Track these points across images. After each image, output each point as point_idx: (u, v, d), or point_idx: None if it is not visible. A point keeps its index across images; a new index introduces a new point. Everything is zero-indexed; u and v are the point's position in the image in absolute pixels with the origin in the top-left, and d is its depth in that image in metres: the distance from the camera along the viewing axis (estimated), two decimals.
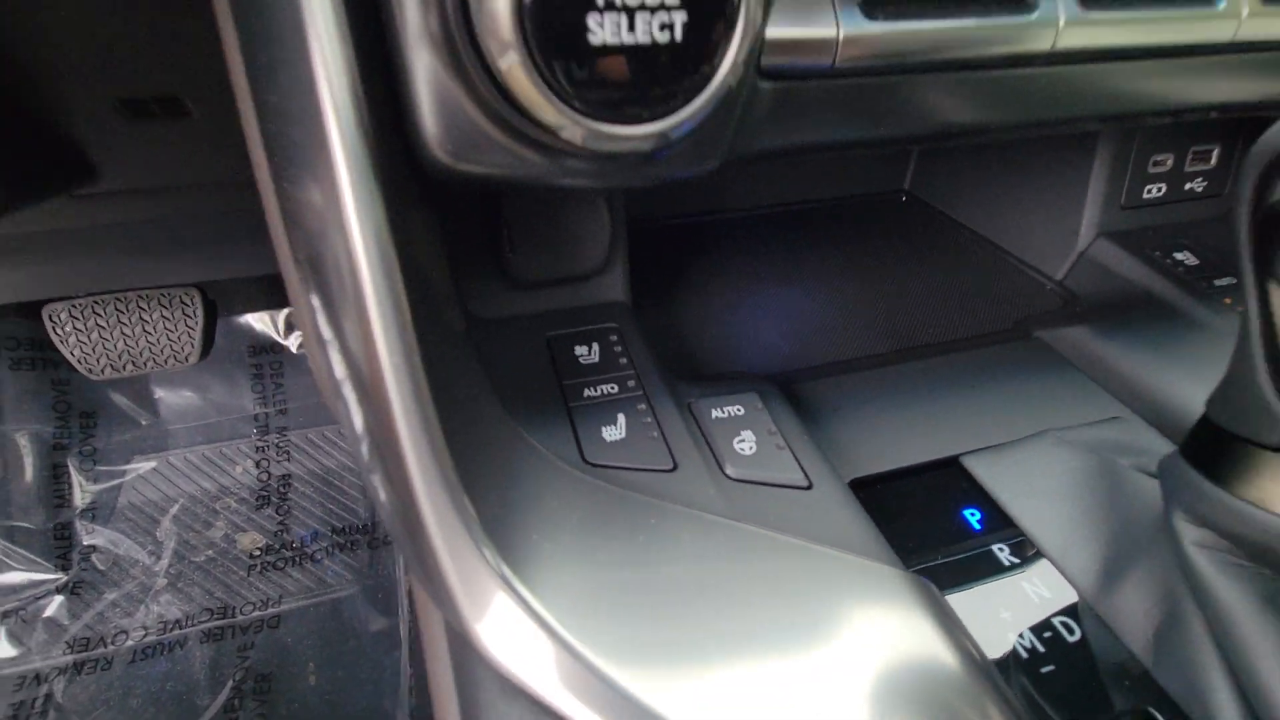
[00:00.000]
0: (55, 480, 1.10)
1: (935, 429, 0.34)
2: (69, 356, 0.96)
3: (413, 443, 0.21)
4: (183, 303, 0.95)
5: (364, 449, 0.24)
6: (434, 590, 0.22)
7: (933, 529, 0.30)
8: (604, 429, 0.29)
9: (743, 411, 0.30)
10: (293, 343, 1.26)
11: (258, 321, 1.25)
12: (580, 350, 0.33)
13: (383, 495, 0.24)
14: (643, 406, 0.30)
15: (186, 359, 1.00)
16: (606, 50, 0.16)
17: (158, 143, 0.48)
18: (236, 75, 0.24)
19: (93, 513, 1.11)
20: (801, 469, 0.28)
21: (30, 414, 1.08)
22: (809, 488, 0.28)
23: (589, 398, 0.30)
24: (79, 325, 0.95)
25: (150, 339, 0.97)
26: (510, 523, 0.23)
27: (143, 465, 1.13)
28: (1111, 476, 0.30)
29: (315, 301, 0.23)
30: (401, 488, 0.22)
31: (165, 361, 0.99)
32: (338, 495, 1.19)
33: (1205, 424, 0.23)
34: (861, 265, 0.48)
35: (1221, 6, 0.26)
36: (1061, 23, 0.24)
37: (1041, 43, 0.24)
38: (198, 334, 0.97)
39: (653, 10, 0.16)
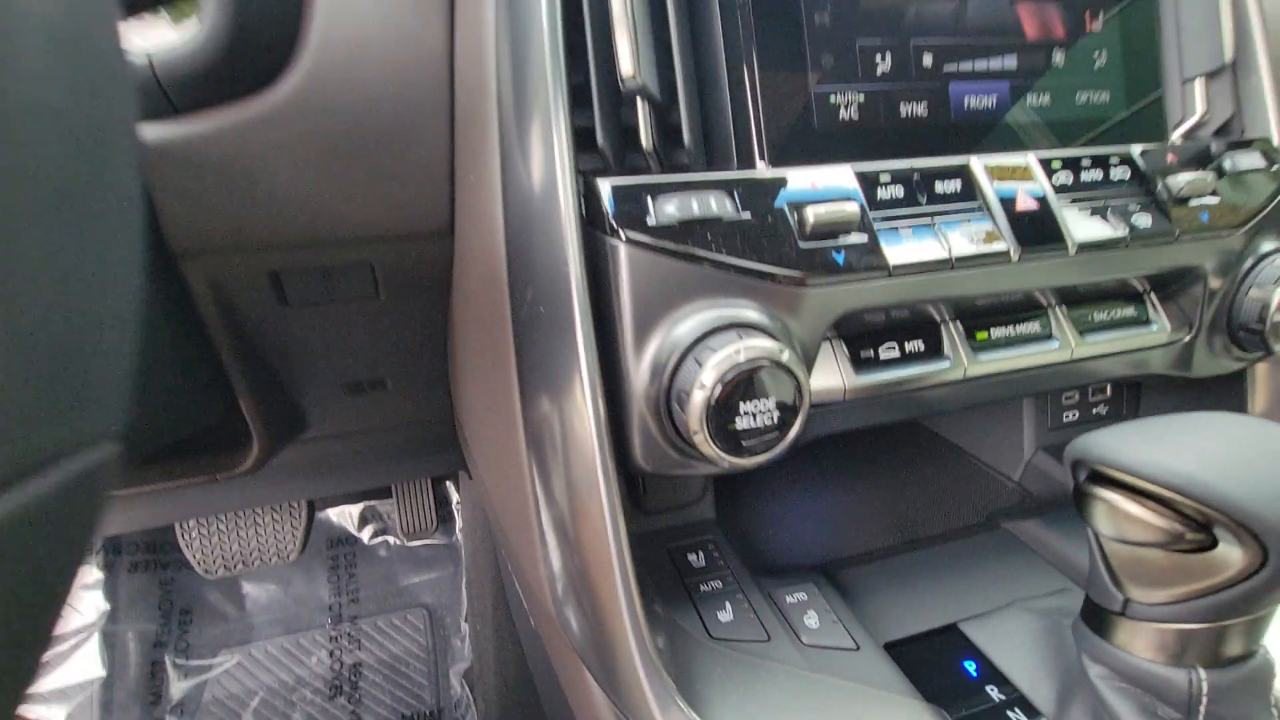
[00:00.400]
0: (152, 677, 1.19)
1: (937, 603, 0.49)
2: (191, 559, 1.11)
3: (624, 591, 0.36)
4: (290, 507, 1.11)
5: (559, 587, 0.39)
6: (631, 708, 0.36)
7: (942, 676, 0.44)
8: (718, 613, 0.44)
9: (806, 597, 0.46)
10: (365, 535, 1.40)
11: (335, 515, 1.40)
12: (692, 557, 0.49)
13: (575, 626, 0.39)
14: (740, 596, 0.45)
15: (288, 556, 1.14)
16: (744, 431, 0.34)
17: (359, 406, 0.68)
18: (492, 346, 0.42)
19: (181, 708, 1.19)
20: (851, 637, 0.43)
21: (139, 614, 1.20)
22: (857, 649, 0.43)
23: (704, 591, 0.46)
24: (203, 531, 1.10)
25: (260, 540, 1.12)
26: (676, 676, 0.38)
27: (228, 660, 1.23)
28: (1060, 633, 0.45)
29: (534, 471, 0.39)
30: (604, 622, 0.37)
31: (270, 559, 1.13)
32: (405, 682, 1.26)
33: (1087, 598, 0.38)
34: (872, 472, 0.65)
35: (1057, 345, 0.45)
36: (966, 364, 0.43)
37: (958, 374, 0.43)
38: (300, 534, 1.13)
39: (765, 413, 0.34)
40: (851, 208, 0.38)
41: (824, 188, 0.39)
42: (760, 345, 0.34)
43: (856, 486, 0.62)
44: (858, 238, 0.39)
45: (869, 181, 0.40)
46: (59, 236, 0.15)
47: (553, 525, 0.40)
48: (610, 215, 0.36)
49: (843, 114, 0.42)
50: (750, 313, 0.37)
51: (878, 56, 0.42)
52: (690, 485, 0.52)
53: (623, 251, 0.36)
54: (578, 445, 0.37)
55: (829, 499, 0.61)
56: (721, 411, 0.34)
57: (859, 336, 0.42)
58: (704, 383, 0.34)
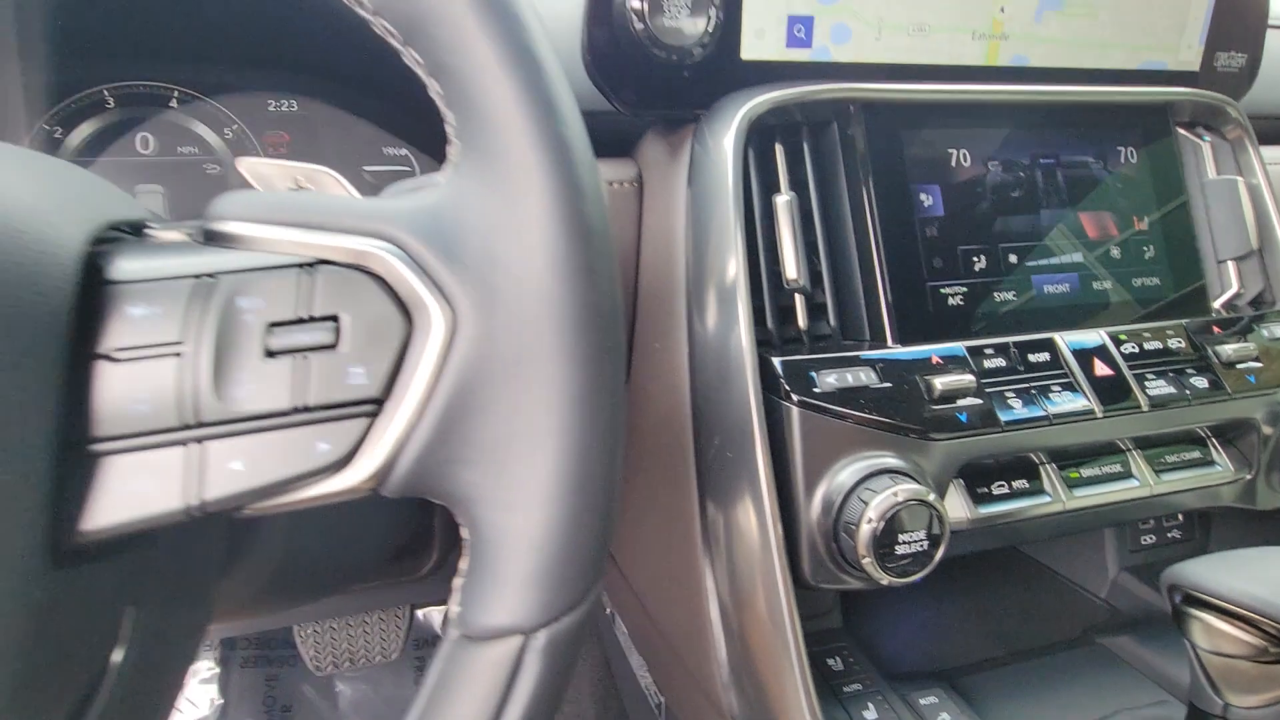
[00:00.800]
0: None
1: (1049, 711, 0.56)
2: (305, 655, 1.19)
3: (804, 688, 0.45)
4: (395, 607, 1.20)
5: (730, 681, 0.47)
6: None
7: None
8: (864, 711, 0.52)
9: (937, 700, 0.53)
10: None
11: (421, 615, 1.47)
12: (830, 661, 0.57)
13: (737, 708, 0.47)
14: (880, 697, 0.53)
15: (390, 655, 1.21)
16: (901, 556, 0.44)
17: None
18: (670, 477, 0.52)
19: None
20: None
21: (247, 709, 1.26)
22: None
23: (847, 692, 0.54)
24: (318, 628, 1.19)
25: (367, 639, 1.20)
26: None
27: None
28: None
29: (714, 581, 0.48)
30: (783, 713, 0.45)
31: (375, 658, 1.20)
32: None
33: (1191, 705, 0.45)
34: (972, 589, 0.73)
35: (1138, 483, 0.55)
36: (1064, 499, 0.53)
37: (1058, 507, 0.53)
38: (403, 634, 1.20)
39: (917, 542, 0.44)
40: (969, 378, 0.49)
41: (944, 361, 0.51)
42: (912, 488, 0.44)
43: (960, 602, 0.69)
44: (974, 401, 0.50)
45: (977, 355, 0.52)
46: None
47: (730, 628, 0.49)
48: (784, 384, 0.48)
49: (951, 301, 0.54)
50: (896, 460, 0.47)
51: (974, 258, 0.55)
52: (824, 598, 0.61)
53: (794, 413, 0.47)
54: (759, 563, 0.47)
55: (937, 613, 0.68)
56: (884, 540, 0.44)
57: (975, 475, 0.52)
58: (870, 517, 0.44)
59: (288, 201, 0.26)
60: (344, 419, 0.24)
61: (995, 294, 0.55)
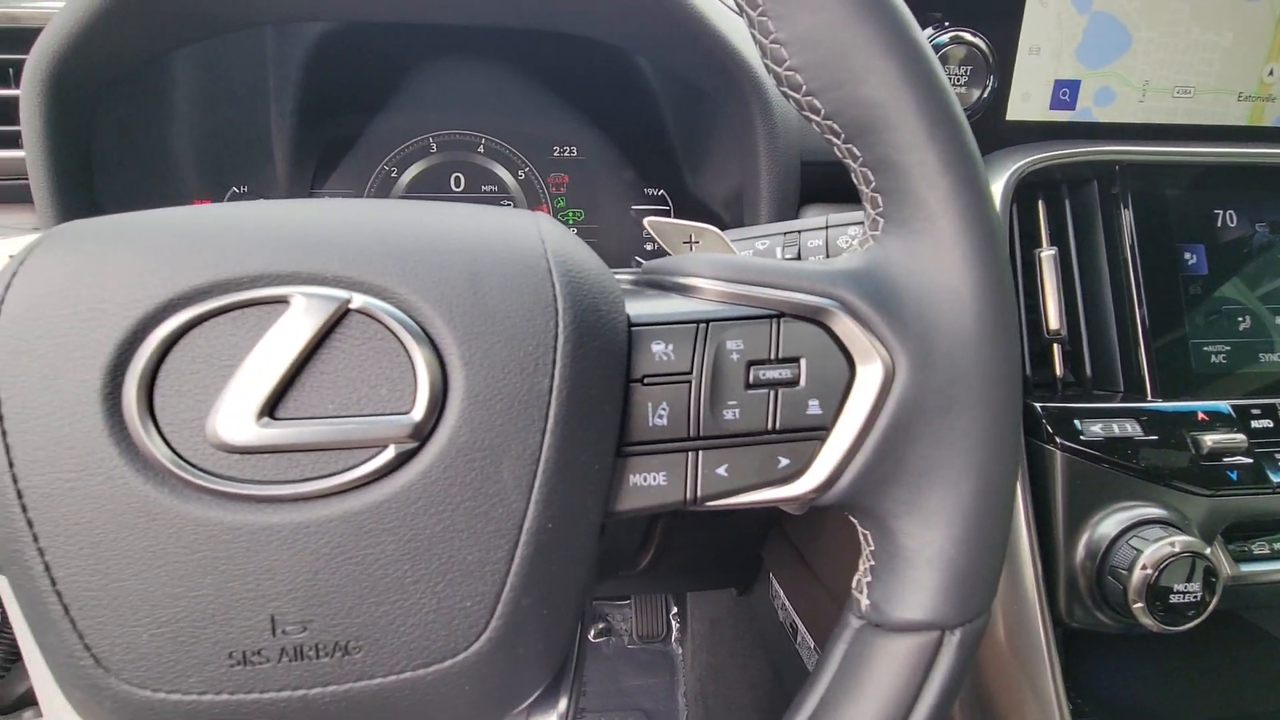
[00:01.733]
0: None
1: None
2: None
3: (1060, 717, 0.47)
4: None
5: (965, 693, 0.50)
6: None
7: None
8: None
9: None
10: (591, 633, 1.54)
11: None
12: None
13: None
14: None
15: None
16: (1175, 605, 0.46)
17: (713, 524, 0.84)
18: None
19: None
20: None
21: None
22: None
23: None
24: None
25: None
26: None
27: None
28: None
29: None
30: None
31: None
32: None
33: None
34: (1190, 645, 0.71)
35: None
36: None
37: None
38: None
39: (1191, 593, 0.46)
40: (1240, 437, 0.50)
41: (1209, 418, 0.52)
42: (1187, 540, 0.46)
43: (1178, 657, 0.68)
44: (1244, 460, 0.50)
45: (1243, 414, 0.52)
46: None
47: (988, 661, 0.52)
48: (1047, 428, 0.51)
49: (1213, 359, 0.55)
50: (1163, 511, 0.49)
51: (1239, 318, 0.56)
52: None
53: (1059, 458, 0.50)
54: (1003, 595, 0.50)
55: (1156, 665, 0.67)
56: (1157, 588, 0.46)
57: (1232, 532, 0.52)
58: (1145, 564, 0.46)
59: (744, 264, 0.32)
60: (801, 441, 0.30)
61: (1260, 354, 0.55)
